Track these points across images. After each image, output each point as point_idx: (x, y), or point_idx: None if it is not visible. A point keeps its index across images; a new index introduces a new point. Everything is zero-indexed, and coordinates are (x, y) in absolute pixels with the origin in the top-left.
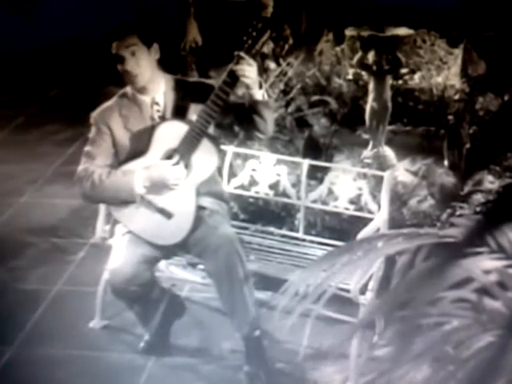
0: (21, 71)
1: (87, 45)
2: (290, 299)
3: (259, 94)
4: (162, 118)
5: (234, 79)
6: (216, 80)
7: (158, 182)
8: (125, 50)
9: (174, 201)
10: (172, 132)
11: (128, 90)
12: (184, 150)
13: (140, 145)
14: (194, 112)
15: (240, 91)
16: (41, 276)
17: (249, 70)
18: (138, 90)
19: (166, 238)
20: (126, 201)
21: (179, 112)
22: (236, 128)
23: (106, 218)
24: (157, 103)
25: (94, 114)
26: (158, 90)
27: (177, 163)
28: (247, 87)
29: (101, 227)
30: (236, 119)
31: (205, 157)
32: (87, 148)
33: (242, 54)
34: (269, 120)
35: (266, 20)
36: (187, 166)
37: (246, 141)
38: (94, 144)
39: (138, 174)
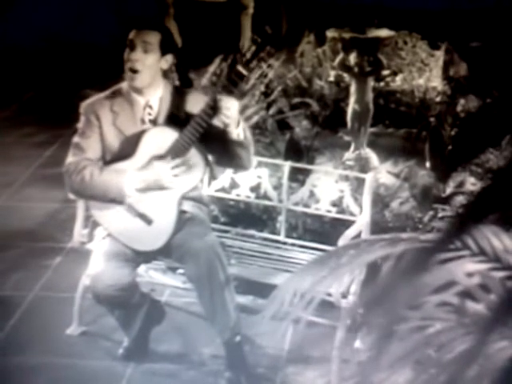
0: None
1: (63, 46)
2: (278, 306)
3: (235, 134)
4: (153, 123)
5: (216, 108)
6: (211, 96)
7: (152, 182)
8: (141, 42)
9: (156, 207)
10: (160, 139)
11: (124, 86)
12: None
13: (127, 146)
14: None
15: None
16: (16, 281)
17: (231, 108)
18: (135, 89)
19: (145, 244)
20: (113, 200)
21: (172, 119)
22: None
23: (84, 222)
24: (150, 106)
25: (85, 104)
26: (155, 94)
27: (172, 164)
28: (224, 125)
29: (78, 231)
30: (212, 153)
31: (191, 167)
32: (76, 139)
33: (240, 68)
34: (244, 158)
35: (266, 35)
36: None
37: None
38: (84, 135)
39: (128, 174)
